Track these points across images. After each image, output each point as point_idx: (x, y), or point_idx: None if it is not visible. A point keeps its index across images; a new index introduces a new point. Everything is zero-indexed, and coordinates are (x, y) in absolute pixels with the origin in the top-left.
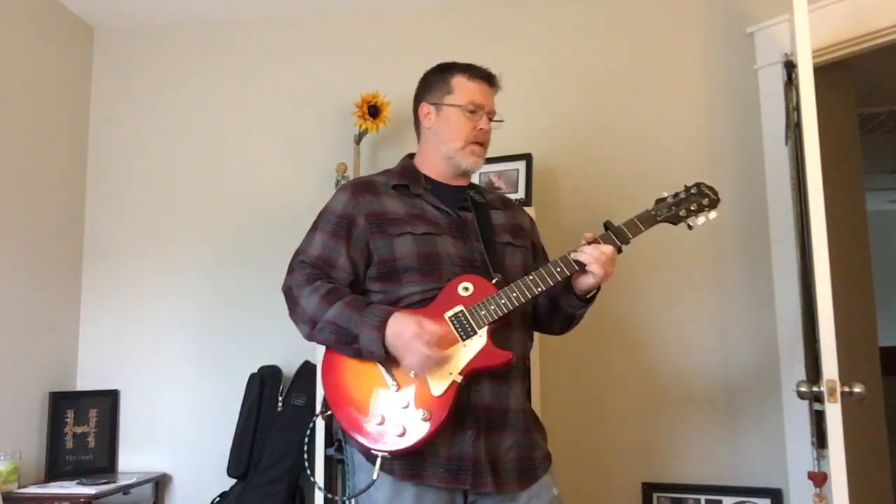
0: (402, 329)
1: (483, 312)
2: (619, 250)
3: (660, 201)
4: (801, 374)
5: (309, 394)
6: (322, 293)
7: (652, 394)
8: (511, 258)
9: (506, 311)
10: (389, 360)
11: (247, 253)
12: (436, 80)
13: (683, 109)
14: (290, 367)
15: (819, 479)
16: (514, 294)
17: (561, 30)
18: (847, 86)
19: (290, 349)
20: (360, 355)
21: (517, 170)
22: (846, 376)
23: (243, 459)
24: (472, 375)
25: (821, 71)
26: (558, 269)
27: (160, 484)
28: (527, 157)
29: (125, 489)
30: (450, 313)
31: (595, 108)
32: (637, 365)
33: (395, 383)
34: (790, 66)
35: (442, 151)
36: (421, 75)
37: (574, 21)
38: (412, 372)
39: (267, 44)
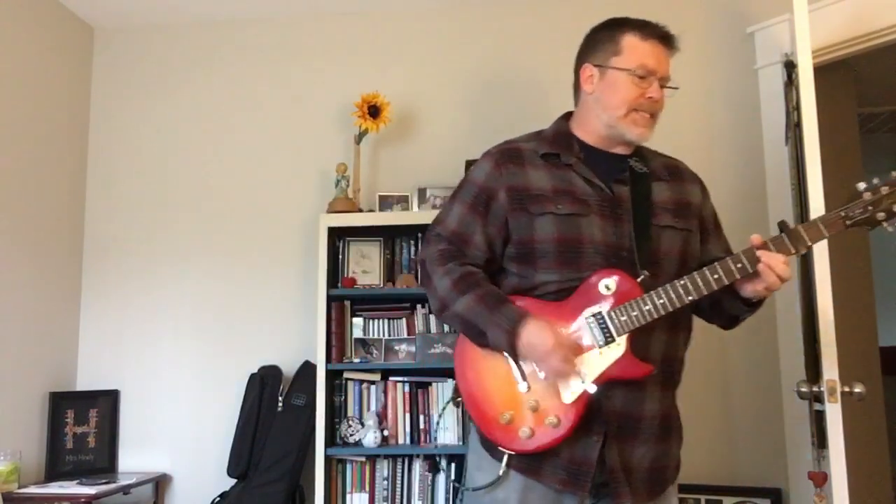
0: (539, 341)
1: (624, 318)
2: (794, 253)
3: (855, 196)
4: (801, 374)
5: (309, 394)
6: (454, 278)
7: None
8: (668, 244)
9: (650, 320)
10: (520, 357)
11: (246, 252)
12: (603, 38)
13: (683, 109)
14: (290, 367)
15: (819, 479)
16: (661, 301)
17: (561, 30)
18: (847, 86)
19: (290, 349)
20: (488, 347)
21: None
22: (846, 376)
23: (243, 459)
24: (606, 383)
25: (821, 71)
26: (716, 277)
27: (160, 484)
28: None
29: (125, 489)
30: (587, 314)
31: None
32: None
33: (525, 383)
34: (790, 66)
35: (603, 120)
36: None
37: (574, 21)
38: (544, 374)
39: (267, 44)
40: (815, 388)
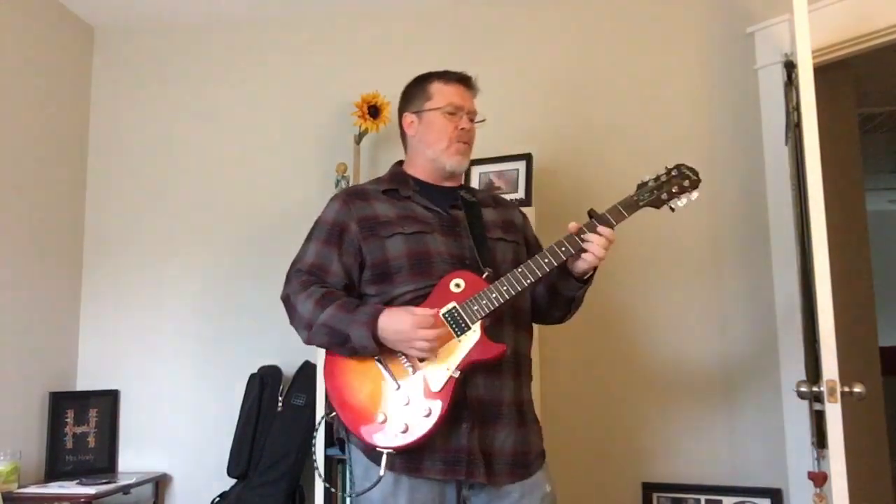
0: (400, 322)
1: (475, 307)
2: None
3: (641, 186)
4: (801, 374)
5: (309, 394)
6: (316, 298)
7: (652, 393)
8: (502, 253)
9: (497, 304)
10: (387, 359)
11: (247, 253)
12: (415, 90)
13: (683, 109)
14: (290, 367)
15: (819, 479)
16: (505, 287)
17: (561, 30)
18: (847, 86)
19: (290, 349)
20: (354, 353)
21: (517, 170)
22: (846, 376)
23: (243, 459)
24: (468, 370)
25: (821, 71)
26: (546, 261)
27: (160, 484)
28: (527, 157)
29: (125, 489)
30: (443, 310)
31: (595, 107)
32: (637, 365)
33: (394, 381)
34: (790, 66)
35: (427, 155)
36: (420, 74)
37: (574, 21)
38: (412, 369)
39: (267, 44)
40: (815, 388)
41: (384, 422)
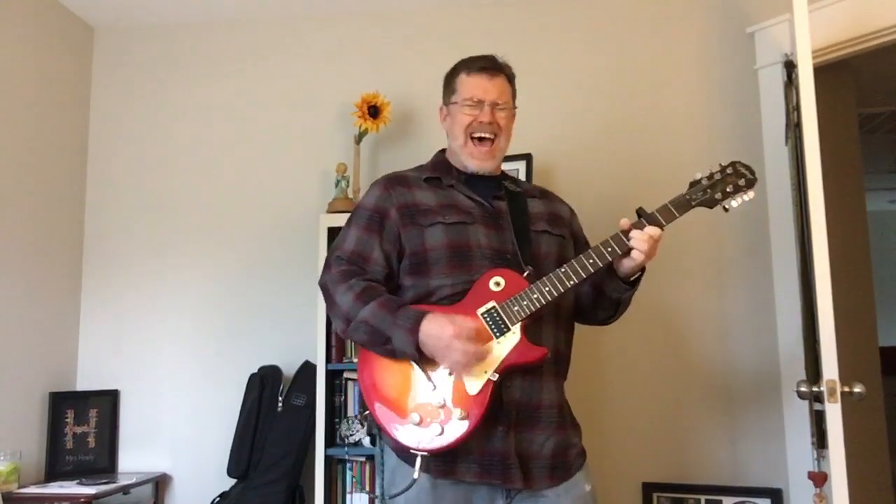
0: (440, 330)
1: (516, 308)
2: None
3: (694, 184)
4: (801, 374)
5: (309, 394)
6: (357, 292)
7: (652, 394)
8: (546, 247)
9: (539, 306)
10: (424, 360)
11: (247, 252)
12: (447, 83)
13: (683, 110)
14: (290, 367)
15: (819, 479)
16: (547, 288)
17: (561, 30)
18: (847, 86)
19: (290, 349)
20: (393, 356)
21: (517, 170)
22: (846, 376)
23: (243, 459)
24: (506, 373)
25: (821, 71)
26: (591, 261)
27: (160, 484)
28: (527, 157)
29: (125, 489)
30: (482, 310)
31: (595, 108)
32: (637, 365)
33: (431, 383)
34: (790, 66)
35: (454, 149)
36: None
37: (574, 21)
38: (449, 371)
39: (267, 44)
40: (815, 388)
41: (419, 423)
